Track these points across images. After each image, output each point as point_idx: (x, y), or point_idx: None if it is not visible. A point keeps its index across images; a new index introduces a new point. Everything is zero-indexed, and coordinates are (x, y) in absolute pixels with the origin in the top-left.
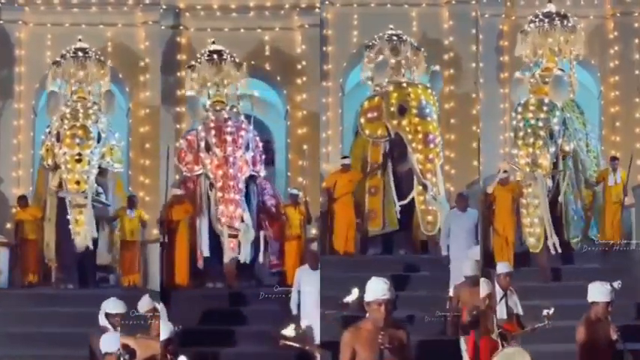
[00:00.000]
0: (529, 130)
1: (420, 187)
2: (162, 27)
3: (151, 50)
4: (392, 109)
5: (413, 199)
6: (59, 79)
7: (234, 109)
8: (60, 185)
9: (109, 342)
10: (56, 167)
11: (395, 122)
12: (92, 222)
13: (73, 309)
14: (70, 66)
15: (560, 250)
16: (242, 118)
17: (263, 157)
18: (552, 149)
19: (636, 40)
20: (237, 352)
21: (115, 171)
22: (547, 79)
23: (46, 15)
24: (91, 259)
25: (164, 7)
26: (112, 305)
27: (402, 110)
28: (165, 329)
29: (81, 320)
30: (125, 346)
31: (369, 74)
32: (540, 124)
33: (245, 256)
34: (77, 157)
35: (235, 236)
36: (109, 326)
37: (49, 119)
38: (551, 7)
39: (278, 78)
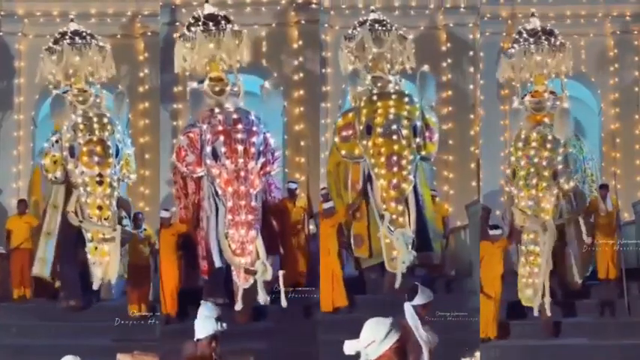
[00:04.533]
0: (532, 170)
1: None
2: (159, 23)
3: (151, 61)
4: (361, 127)
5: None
6: (54, 71)
7: (236, 89)
8: (77, 210)
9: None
10: (65, 182)
11: (364, 143)
12: (118, 258)
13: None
14: (67, 54)
15: (549, 314)
16: (252, 117)
17: (276, 154)
18: (555, 191)
19: (636, 58)
20: (237, 351)
21: (130, 182)
22: (537, 105)
23: (45, 27)
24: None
25: (160, 3)
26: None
27: (369, 130)
28: (207, 326)
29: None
30: None
31: (350, 67)
32: (544, 163)
33: (264, 299)
34: (98, 179)
35: (252, 273)
36: None
37: (57, 125)
38: (536, 23)
39: (275, 74)
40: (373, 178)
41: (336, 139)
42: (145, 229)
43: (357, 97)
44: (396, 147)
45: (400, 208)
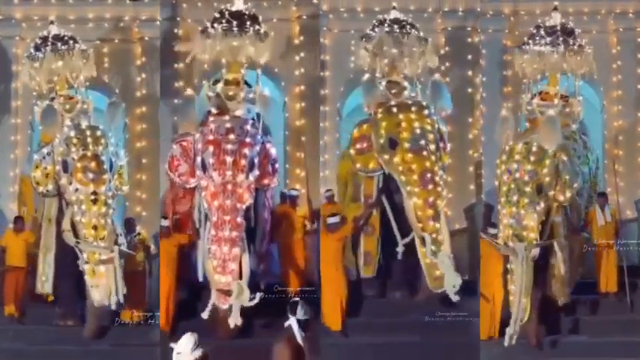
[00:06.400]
0: (512, 186)
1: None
2: (160, 19)
3: (148, 66)
4: (381, 141)
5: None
6: (38, 78)
7: (251, 96)
8: (73, 229)
9: None
10: (57, 195)
11: (386, 157)
12: (119, 279)
13: None
14: (50, 60)
15: (513, 342)
16: (248, 126)
17: (276, 165)
18: (541, 205)
19: (639, 55)
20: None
21: (122, 194)
22: (545, 109)
23: (42, 31)
24: None
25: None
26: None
27: (393, 144)
28: None
29: None
30: None
31: (365, 67)
32: (526, 178)
33: (235, 321)
34: (93, 198)
35: (228, 293)
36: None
37: (47, 136)
38: (557, 18)
39: (276, 70)
40: (404, 196)
41: (351, 151)
42: (138, 234)
43: (373, 105)
44: (427, 163)
45: (437, 225)
